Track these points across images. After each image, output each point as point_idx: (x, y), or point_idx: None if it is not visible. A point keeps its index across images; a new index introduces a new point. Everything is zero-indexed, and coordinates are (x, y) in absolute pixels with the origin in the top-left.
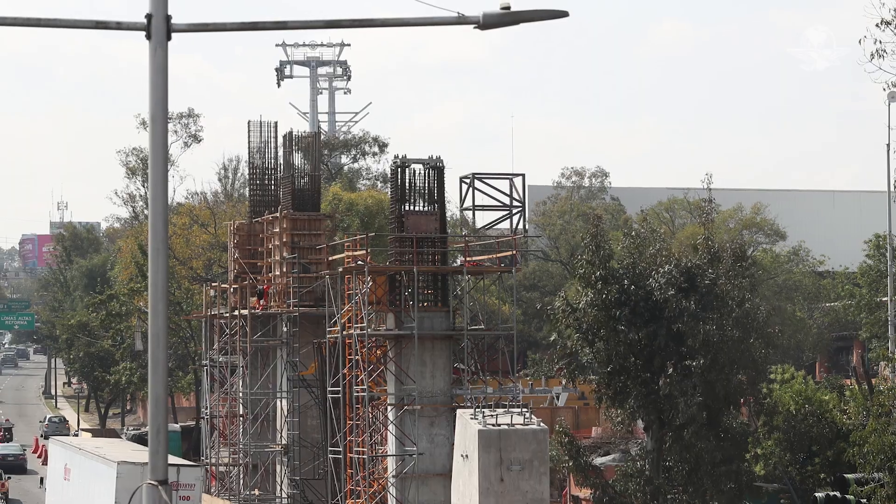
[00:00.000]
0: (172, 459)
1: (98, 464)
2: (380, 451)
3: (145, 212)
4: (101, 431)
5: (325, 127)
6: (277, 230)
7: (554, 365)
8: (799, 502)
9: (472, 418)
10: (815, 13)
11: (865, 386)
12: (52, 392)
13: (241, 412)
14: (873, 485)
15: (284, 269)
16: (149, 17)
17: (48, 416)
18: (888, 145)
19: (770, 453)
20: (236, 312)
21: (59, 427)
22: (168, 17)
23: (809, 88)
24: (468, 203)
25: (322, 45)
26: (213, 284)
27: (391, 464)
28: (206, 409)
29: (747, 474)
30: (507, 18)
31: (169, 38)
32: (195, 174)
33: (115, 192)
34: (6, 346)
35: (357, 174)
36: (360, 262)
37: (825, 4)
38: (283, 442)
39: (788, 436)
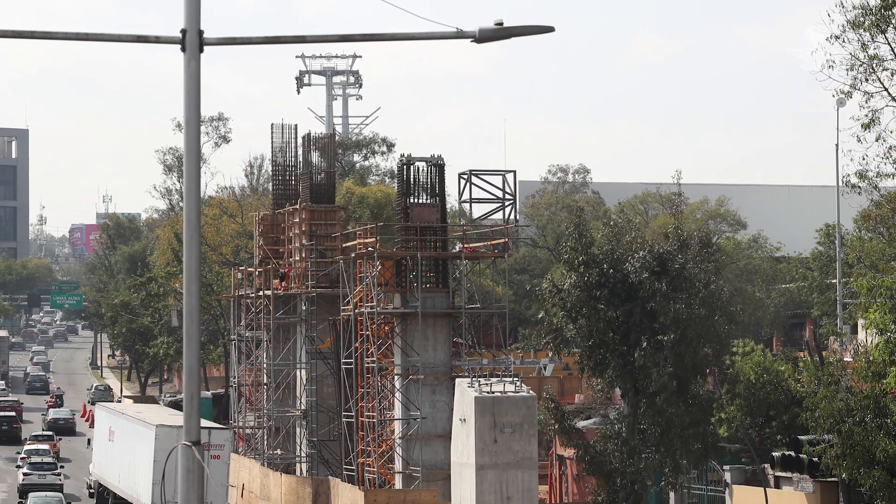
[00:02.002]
0: (204, 423)
1: (139, 426)
2: (388, 416)
3: (180, 204)
4: (141, 398)
5: (339, 129)
6: (297, 220)
7: (541, 339)
8: (758, 461)
9: (469, 386)
10: (776, 28)
11: (817, 358)
12: (98, 363)
13: (265, 381)
14: (824, 445)
15: (303, 255)
16: (184, 31)
17: (94, 385)
18: (837, 145)
19: (732, 417)
20: (261, 293)
21: (104, 394)
22: (201, 32)
23: (768, 94)
24: (466, 196)
25: (337, 56)
26: (241, 268)
27: (398, 427)
28: (235, 378)
29: (712, 436)
30: (501, 33)
31: (201, 50)
32: (224, 171)
33: (154, 187)
34: (57, 322)
35: (367, 171)
36: (370, 249)
37: (784, 20)
38: (303, 407)
39: (749, 402)
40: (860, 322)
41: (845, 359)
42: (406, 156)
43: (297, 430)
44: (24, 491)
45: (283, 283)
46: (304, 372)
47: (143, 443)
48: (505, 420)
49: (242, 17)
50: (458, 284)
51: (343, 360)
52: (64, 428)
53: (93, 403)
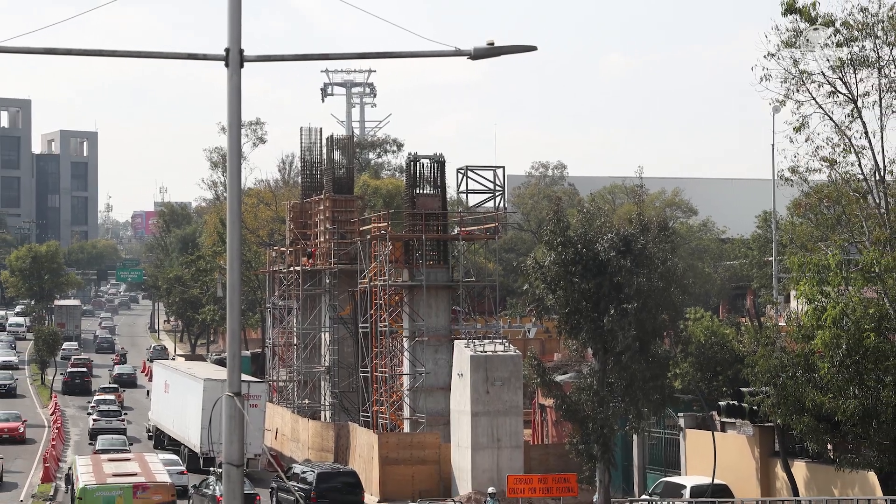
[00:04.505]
0: (244, 377)
1: (189, 380)
2: (397, 371)
3: (224, 194)
4: (191, 356)
5: (357, 131)
6: (322, 208)
7: (526, 307)
8: (707, 409)
9: (465, 347)
10: (724, 48)
11: (756, 323)
12: (156, 327)
13: (295, 342)
14: (762, 396)
15: (327, 237)
16: (227, 50)
17: (152, 345)
18: (773, 145)
19: (686, 373)
20: (291, 269)
21: (161, 353)
22: (241, 51)
23: (717, 103)
24: (463, 188)
25: (355, 71)
26: (274, 248)
27: (406, 380)
28: (270, 340)
29: (669, 388)
30: (492, 51)
31: (242, 66)
32: (261, 167)
33: (202, 180)
34: (122, 293)
35: (380, 167)
36: (382, 232)
37: (734, 40)
38: (326, 364)
39: (699, 360)
40: (792, 293)
41: (780, 323)
42: (413, 154)
43: (322, 383)
44: (93, 434)
45: (310, 261)
46: (327, 335)
47: (193, 394)
48: (495, 375)
49: (273, 36)
50: (456, 262)
51: (360, 325)
52: (127, 381)
53: (151, 361)
